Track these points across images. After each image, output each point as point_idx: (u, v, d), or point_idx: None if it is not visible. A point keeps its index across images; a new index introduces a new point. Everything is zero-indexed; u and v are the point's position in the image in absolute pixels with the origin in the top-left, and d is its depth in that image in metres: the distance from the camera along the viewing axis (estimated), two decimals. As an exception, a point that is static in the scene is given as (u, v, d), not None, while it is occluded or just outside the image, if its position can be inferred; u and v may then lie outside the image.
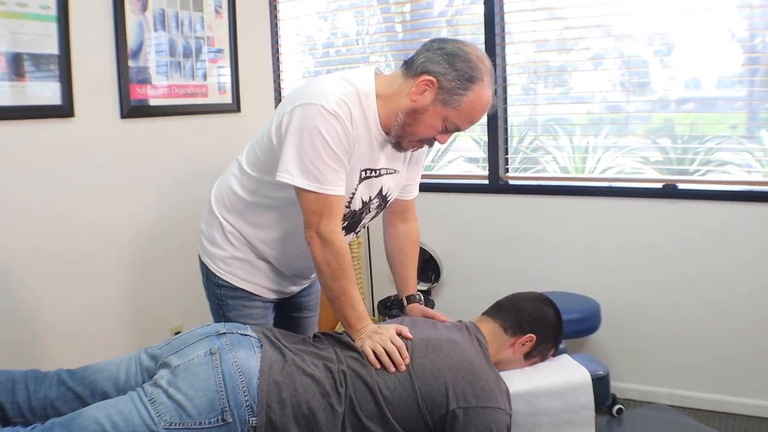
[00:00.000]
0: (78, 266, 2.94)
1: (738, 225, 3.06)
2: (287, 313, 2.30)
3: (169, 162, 3.32)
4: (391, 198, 2.14)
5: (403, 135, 1.95)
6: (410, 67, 1.92)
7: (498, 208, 3.52)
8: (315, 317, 2.41)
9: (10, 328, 2.72)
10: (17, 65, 2.66)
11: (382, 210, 2.17)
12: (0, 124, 2.65)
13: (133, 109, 3.12)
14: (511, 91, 3.53)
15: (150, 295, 3.27)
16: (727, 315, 3.11)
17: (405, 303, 2.27)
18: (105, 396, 1.80)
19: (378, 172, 2.02)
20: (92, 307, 3.01)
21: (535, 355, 2.03)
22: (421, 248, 2.52)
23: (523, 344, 2.00)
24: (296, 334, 2.00)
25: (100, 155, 3.00)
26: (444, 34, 3.73)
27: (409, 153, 2.10)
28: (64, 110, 2.84)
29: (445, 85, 1.85)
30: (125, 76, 3.06)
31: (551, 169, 3.62)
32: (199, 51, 3.42)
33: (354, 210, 2.03)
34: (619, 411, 2.92)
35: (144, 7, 3.13)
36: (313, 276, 2.26)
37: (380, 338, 1.85)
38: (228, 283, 2.11)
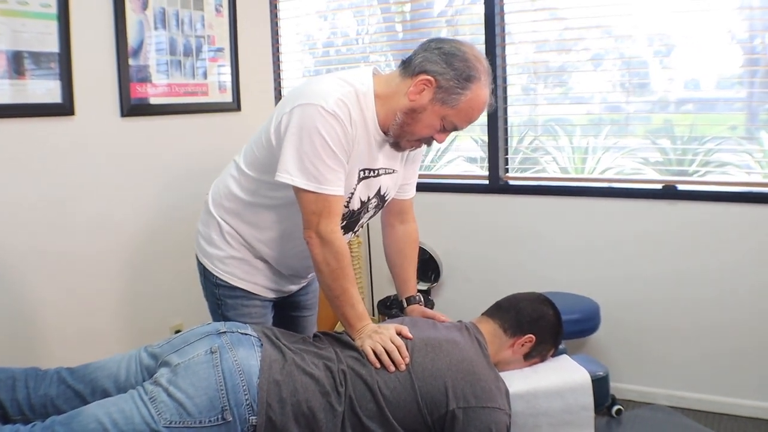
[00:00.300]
0: (78, 264, 2.94)
1: (738, 226, 3.06)
2: (286, 312, 2.31)
3: (169, 161, 3.32)
4: (389, 198, 2.15)
5: (402, 134, 1.95)
6: (408, 67, 1.92)
7: (498, 209, 3.52)
8: (313, 316, 2.41)
9: (10, 325, 2.72)
10: (18, 63, 2.66)
11: (380, 209, 2.18)
12: (0, 122, 2.64)
13: (134, 108, 3.12)
14: (511, 92, 3.53)
15: (150, 293, 3.28)
16: (726, 316, 3.11)
17: (405, 304, 2.27)
18: (105, 394, 1.80)
19: (376, 172, 2.03)
20: (92, 306, 3.01)
21: (535, 355, 2.04)
22: (420, 248, 2.52)
23: (522, 345, 2.00)
24: (296, 334, 2.00)
25: (100, 154, 3.00)
26: (444, 34, 3.73)
27: (406, 152, 2.11)
28: (65, 108, 2.84)
29: (443, 84, 1.86)
30: (125, 75, 3.07)
31: (551, 169, 3.62)
32: (199, 50, 3.42)
33: (352, 210, 2.04)
34: (618, 412, 2.93)
35: (144, 6, 3.13)
36: (311, 275, 2.26)
37: (380, 338, 1.85)
38: (226, 282, 2.11)
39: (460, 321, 2.06)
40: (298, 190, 1.88)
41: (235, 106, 3.66)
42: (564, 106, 3.55)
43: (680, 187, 3.17)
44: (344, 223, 2.03)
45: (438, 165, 3.90)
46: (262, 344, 1.80)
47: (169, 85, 3.28)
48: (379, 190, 2.08)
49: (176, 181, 3.35)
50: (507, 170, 3.56)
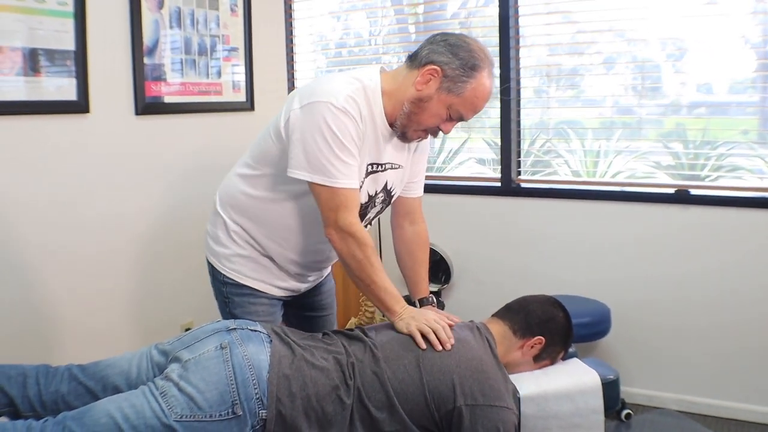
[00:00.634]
0: (90, 262, 2.96)
1: (751, 231, 3.04)
2: (301, 312, 2.32)
3: (183, 159, 3.34)
4: (395, 193, 2.17)
5: (409, 124, 1.99)
6: (415, 60, 1.98)
7: (509, 211, 3.52)
8: (331, 315, 2.42)
9: (22, 322, 2.74)
10: (34, 60, 2.68)
11: (386, 206, 2.20)
12: (16, 118, 2.67)
13: (148, 106, 3.14)
14: (524, 94, 3.53)
15: (161, 291, 3.29)
16: (737, 321, 3.10)
17: (417, 305, 2.27)
18: (116, 391, 1.82)
19: (383, 166, 2.06)
20: (104, 303, 3.03)
21: (545, 357, 2.04)
22: (431, 249, 2.52)
23: (532, 346, 2.00)
24: (304, 332, 2.01)
25: (114, 151, 3.02)
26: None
27: (413, 148, 2.14)
28: (80, 106, 2.86)
29: (449, 73, 1.92)
30: (140, 73, 3.08)
31: (563, 172, 3.61)
32: (213, 49, 3.44)
33: (360, 203, 2.05)
34: (628, 416, 2.93)
35: (160, 5, 3.15)
36: (320, 273, 2.28)
37: (425, 318, 1.91)
38: (233, 280, 2.13)
39: (471, 321, 2.06)
40: (313, 186, 1.91)
41: (249, 105, 3.68)
42: (576, 109, 3.55)
43: (693, 191, 3.16)
44: None
45: (449, 166, 3.90)
46: (271, 340, 1.82)
47: (183, 84, 3.30)
48: (385, 185, 2.11)
49: (189, 180, 3.36)
50: (519, 173, 3.56)
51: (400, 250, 2.32)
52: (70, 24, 2.79)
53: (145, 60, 3.10)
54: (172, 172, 3.29)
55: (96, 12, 2.88)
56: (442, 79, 1.92)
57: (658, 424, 2.63)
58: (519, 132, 3.54)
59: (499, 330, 2.01)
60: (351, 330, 1.98)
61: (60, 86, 2.78)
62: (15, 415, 1.83)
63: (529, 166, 3.62)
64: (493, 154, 3.68)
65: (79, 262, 2.92)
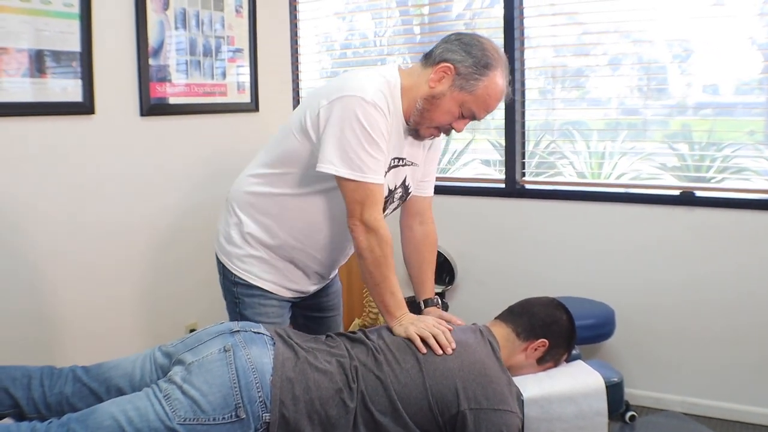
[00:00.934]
0: (95, 263, 2.97)
1: (756, 233, 3.04)
2: (308, 313, 2.32)
3: (187, 160, 3.34)
4: (411, 190, 2.19)
5: (422, 121, 2.01)
6: (429, 58, 2.01)
7: (513, 212, 3.52)
8: (338, 317, 2.42)
9: (27, 322, 2.75)
10: (39, 62, 2.69)
11: (402, 202, 2.21)
12: (21, 120, 2.68)
13: (153, 107, 3.14)
14: (529, 95, 3.53)
15: (165, 292, 3.30)
16: (742, 323, 3.09)
17: (422, 306, 2.27)
18: (120, 393, 1.83)
19: (403, 161, 2.08)
20: (108, 303, 3.03)
21: (548, 360, 2.03)
22: (435, 250, 2.51)
23: (535, 349, 2.00)
24: (308, 334, 2.02)
25: (119, 152, 3.03)
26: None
27: (426, 146, 2.16)
28: (85, 107, 2.87)
29: (462, 71, 1.94)
30: (145, 74, 3.09)
31: (567, 173, 3.61)
32: (218, 50, 3.45)
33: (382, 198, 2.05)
34: (632, 418, 2.92)
35: (165, 6, 3.15)
36: (335, 273, 2.29)
37: (424, 324, 1.91)
38: (244, 281, 2.13)
39: (474, 324, 2.06)
40: (340, 180, 1.92)
41: (254, 106, 3.68)
42: (581, 110, 3.54)
43: (698, 193, 3.15)
44: None
45: (454, 167, 3.90)
46: (274, 343, 1.82)
47: (188, 85, 3.31)
48: (404, 180, 2.12)
49: (194, 181, 3.37)
50: (524, 174, 3.55)
51: (407, 250, 2.32)
52: (75, 25, 2.80)
53: (150, 61, 3.11)
54: (177, 172, 3.30)
55: (101, 13, 2.89)
56: (455, 76, 1.94)
57: (662, 426, 2.63)
58: (524, 133, 3.53)
59: (502, 333, 2.01)
60: (353, 332, 1.98)
61: (65, 87, 2.79)
62: (20, 416, 1.84)
63: (534, 168, 3.61)
64: (498, 155, 3.67)
65: (84, 263, 2.93)
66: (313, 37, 4.07)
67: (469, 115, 2.00)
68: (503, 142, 3.54)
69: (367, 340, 1.90)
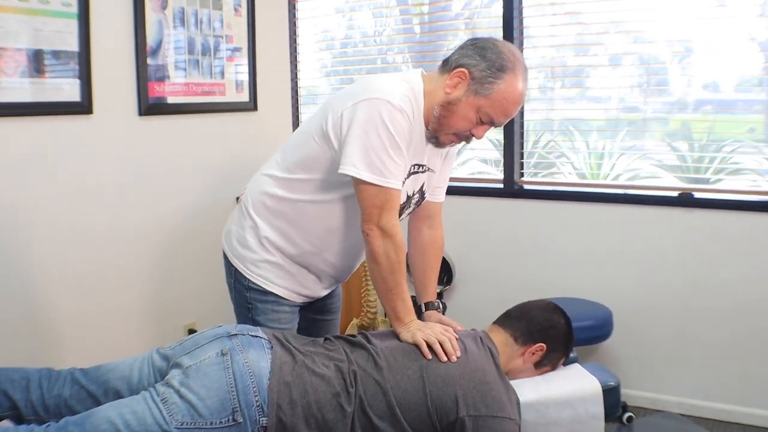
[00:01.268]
0: (93, 263, 2.97)
1: (754, 235, 3.04)
2: (309, 314, 2.30)
3: (186, 159, 3.34)
4: (426, 196, 2.18)
5: (440, 128, 1.99)
6: (446, 64, 2.00)
7: (512, 213, 3.52)
8: (337, 320, 2.42)
9: (25, 323, 2.76)
10: (38, 61, 2.69)
11: (417, 207, 2.20)
12: (20, 120, 2.68)
13: (151, 107, 3.14)
14: (529, 93, 3.52)
15: (165, 292, 3.30)
16: (740, 325, 3.09)
17: (423, 309, 2.27)
18: (118, 395, 1.83)
19: (423, 168, 2.08)
20: (106, 304, 3.04)
21: (546, 364, 2.04)
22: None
23: (533, 353, 2.01)
24: (306, 337, 2.02)
25: (117, 152, 3.03)
26: (462, 33, 3.73)
27: (444, 153, 2.15)
28: (83, 107, 2.87)
29: (477, 75, 1.92)
30: (144, 74, 3.09)
31: (566, 171, 3.60)
32: (217, 49, 3.44)
33: (400, 204, 2.05)
34: (630, 419, 2.92)
35: (164, 5, 3.15)
36: (347, 277, 2.29)
37: (431, 330, 1.91)
38: (258, 286, 2.10)
39: (473, 329, 2.06)
40: (360, 183, 1.90)
41: (252, 105, 3.68)
42: (581, 107, 3.53)
43: (697, 194, 3.15)
44: None
45: (452, 166, 3.88)
46: (272, 346, 1.82)
47: (186, 84, 3.30)
48: (422, 186, 2.12)
49: (193, 180, 3.37)
50: (522, 174, 3.55)
51: (413, 253, 2.31)
52: (73, 25, 2.80)
53: (149, 60, 3.11)
54: (176, 172, 3.29)
55: (100, 13, 2.88)
56: (470, 81, 1.93)
57: (660, 428, 2.63)
58: (522, 134, 3.53)
59: (500, 338, 2.01)
60: (353, 336, 1.98)
61: (63, 87, 2.79)
62: (18, 418, 1.84)
63: (533, 167, 3.61)
64: (497, 154, 3.66)
65: (82, 262, 2.93)
66: (312, 35, 4.06)
67: (488, 121, 1.97)
68: (502, 139, 3.53)
69: (367, 345, 1.90)
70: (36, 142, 2.73)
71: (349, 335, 2.00)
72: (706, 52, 3.15)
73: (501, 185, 3.55)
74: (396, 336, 1.97)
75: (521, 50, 3.46)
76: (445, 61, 2.01)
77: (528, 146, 3.59)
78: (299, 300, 2.17)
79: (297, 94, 4.05)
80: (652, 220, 3.22)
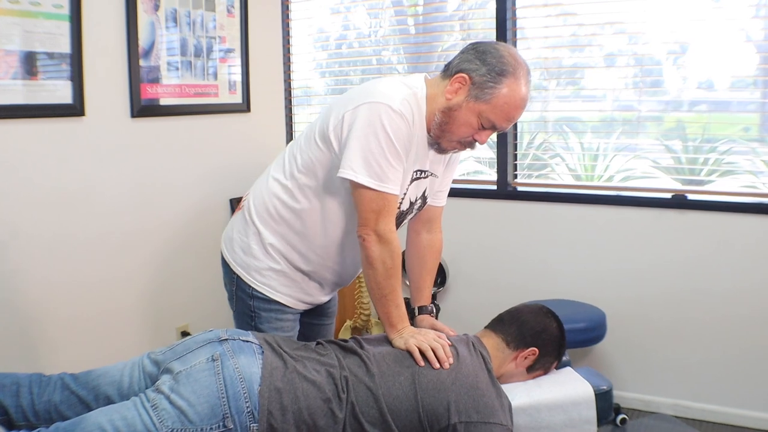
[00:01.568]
0: (85, 264, 2.96)
1: (748, 237, 3.04)
2: (306, 319, 2.29)
3: (179, 161, 3.33)
4: (428, 202, 2.17)
5: (442, 135, 1.98)
6: (447, 70, 1.98)
7: (505, 214, 3.51)
8: (332, 324, 2.41)
9: (15, 326, 2.74)
10: (29, 64, 2.67)
11: (418, 212, 2.19)
12: (12, 122, 2.66)
13: (144, 109, 3.13)
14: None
15: (157, 295, 3.28)
16: (733, 327, 3.09)
17: (416, 312, 2.27)
18: (108, 400, 1.82)
19: (426, 173, 2.07)
20: (98, 306, 3.02)
21: (538, 368, 2.04)
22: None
23: (525, 358, 2.01)
24: (297, 341, 2.01)
25: (110, 154, 3.01)
26: (456, 32, 3.73)
27: (447, 158, 2.14)
28: (75, 109, 2.85)
29: (477, 80, 1.90)
30: (136, 76, 3.07)
31: (561, 171, 3.60)
32: (210, 50, 3.43)
33: (402, 210, 2.05)
34: (623, 421, 2.93)
35: (156, 7, 3.13)
36: (350, 282, 2.28)
37: (424, 337, 1.90)
38: (263, 294, 2.09)
39: (465, 335, 2.06)
40: (358, 187, 1.89)
41: (245, 107, 3.67)
42: (576, 107, 3.52)
43: (690, 196, 3.15)
44: None
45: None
46: (263, 351, 1.81)
47: (179, 86, 3.29)
48: (424, 192, 2.11)
49: (186, 182, 3.36)
50: (516, 176, 3.55)
51: (411, 255, 2.31)
52: (65, 27, 2.78)
53: (141, 62, 3.09)
54: (169, 174, 3.28)
55: (91, 14, 2.87)
56: (470, 87, 1.91)
57: (653, 429, 2.64)
58: (516, 135, 3.53)
59: (492, 343, 2.01)
60: (345, 341, 1.97)
61: (55, 89, 2.77)
62: (8, 424, 1.83)
63: (527, 168, 3.60)
64: (491, 153, 3.65)
65: (75, 263, 2.92)
66: (305, 36, 4.05)
67: (490, 126, 1.95)
68: (495, 138, 3.52)
69: (360, 350, 1.89)
70: (28, 144, 2.72)
71: (341, 340, 1.99)
72: (701, 51, 3.15)
73: (494, 187, 3.54)
74: (388, 341, 1.96)
75: (514, 42, 3.45)
76: (447, 66, 1.99)
77: (522, 146, 3.59)
78: (302, 307, 2.16)
79: (290, 95, 4.04)
80: (646, 221, 3.22)
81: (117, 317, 3.11)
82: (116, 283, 3.10)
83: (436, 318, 2.27)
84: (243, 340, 1.83)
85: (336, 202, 2.01)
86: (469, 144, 2.01)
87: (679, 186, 3.29)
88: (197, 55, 3.36)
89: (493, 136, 3.49)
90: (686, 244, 3.15)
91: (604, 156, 3.52)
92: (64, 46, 2.79)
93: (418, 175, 2.04)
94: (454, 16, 3.79)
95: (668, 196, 3.20)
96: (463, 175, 3.81)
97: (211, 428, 1.67)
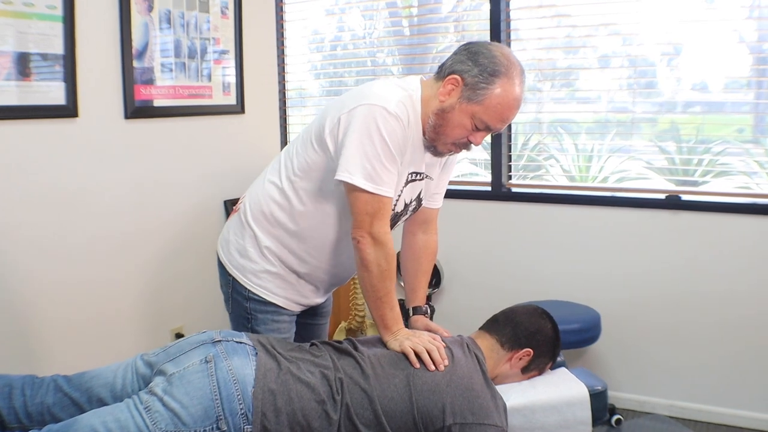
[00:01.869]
0: (78, 265, 2.95)
1: (741, 237, 3.04)
2: (299, 318, 2.28)
3: (173, 163, 3.32)
4: (424, 202, 2.17)
5: (436, 137, 1.97)
6: (440, 71, 1.97)
7: (500, 216, 3.51)
8: (326, 324, 2.41)
9: (9, 338, 2.73)
10: (23, 65, 2.66)
11: (413, 214, 2.19)
12: (5, 123, 2.65)
13: (137, 110, 3.12)
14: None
15: (151, 297, 3.28)
16: (728, 327, 3.10)
17: (411, 313, 2.27)
18: (101, 402, 1.81)
19: (421, 175, 2.06)
20: (92, 307, 3.01)
21: (533, 369, 2.04)
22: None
23: (520, 359, 2.01)
24: (292, 342, 2.01)
25: (103, 155, 3.01)
26: (451, 34, 3.73)
27: (443, 160, 2.14)
28: (69, 110, 2.84)
29: (469, 81, 1.89)
30: (130, 77, 3.07)
31: (555, 172, 3.60)
32: (204, 52, 3.42)
33: (397, 212, 2.05)
34: (618, 421, 2.92)
35: (150, 8, 3.13)
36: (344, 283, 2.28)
37: (419, 339, 1.90)
38: (259, 296, 2.09)
39: (459, 336, 2.05)
40: (353, 190, 1.88)
41: (239, 108, 3.66)
42: (570, 108, 3.53)
43: (684, 197, 3.16)
44: None
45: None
46: (257, 353, 1.80)
47: (173, 87, 3.28)
48: (419, 194, 2.11)
49: (180, 183, 3.35)
50: (510, 177, 3.55)
51: (405, 256, 2.31)
52: (59, 28, 2.77)
53: (135, 63, 3.08)
54: (162, 175, 3.27)
55: (85, 15, 2.86)
56: (462, 88, 1.90)
57: (648, 430, 2.63)
58: (510, 136, 3.53)
59: (486, 344, 2.01)
60: (340, 342, 1.97)
61: (49, 90, 2.77)
62: (1, 426, 1.82)
63: (522, 169, 3.61)
64: (486, 154, 3.66)
65: (68, 265, 2.91)
66: (300, 38, 4.05)
67: (484, 127, 1.94)
68: (490, 140, 3.52)
69: (354, 352, 1.89)
70: (21, 145, 2.71)
71: (335, 341, 1.99)
72: (695, 53, 3.16)
73: (489, 188, 3.54)
74: (383, 343, 1.96)
75: (509, 43, 3.45)
76: (440, 67, 1.99)
77: (517, 148, 3.59)
78: (297, 309, 2.16)
79: (285, 97, 4.04)
80: (640, 222, 3.22)
81: (111, 319, 3.10)
82: (110, 284, 3.09)
83: (431, 319, 2.27)
84: (236, 342, 1.83)
85: (332, 204, 2.01)
86: (464, 145, 2.00)
87: (673, 187, 3.29)
88: (191, 56, 3.35)
89: (488, 138, 3.52)
90: (680, 244, 3.15)
91: (598, 157, 3.53)
92: (58, 47, 2.78)
93: (413, 177, 2.04)
94: (449, 17, 3.79)
95: (662, 197, 3.20)
96: (458, 176, 3.81)
97: (205, 430, 1.67)
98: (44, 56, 2.74)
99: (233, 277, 2.11)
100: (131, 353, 2.06)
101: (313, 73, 4.11)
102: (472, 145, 1.99)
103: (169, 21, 3.23)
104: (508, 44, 3.46)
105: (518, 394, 1.94)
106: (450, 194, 3.59)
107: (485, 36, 3.46)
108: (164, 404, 1.68)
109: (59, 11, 2.77)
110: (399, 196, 2.02)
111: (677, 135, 3.35)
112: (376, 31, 3.95)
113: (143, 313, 3.24)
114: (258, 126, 3.81)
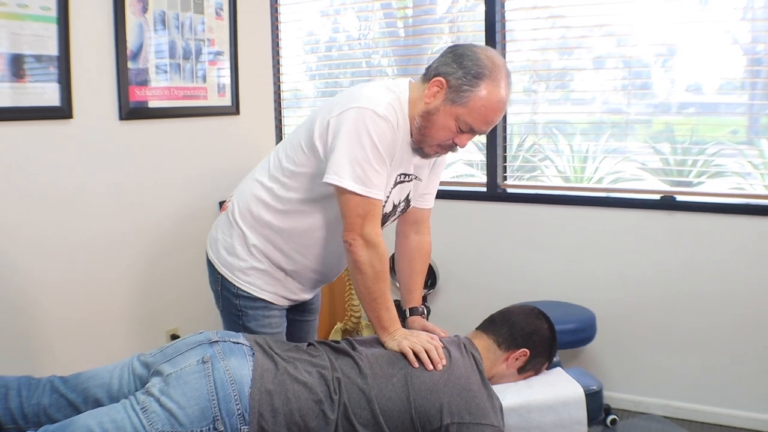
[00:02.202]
0: (74, 267, 2.94)
1: (735, 237, 3.05)
2: (289, 315, 2.28)
3: (167, 164, 3.32)
4: (413, 203, 2.18)
5: (422, 139, 1.98)
6: (427, 73, 1.98)
7: (495, 216, 3.52)
8: (315, 321, 2.42)
9: (6, 338, 2.72)
10: (17, 66, 2.65)
11: (402, 214, 2.20)
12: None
13: (132, 111, 3.11)
14: (513, 96, 3.51)
15: (147, 298, 3.27)
16: (722, 327, 3.11)
17: (407, 314, 2.27)
18: (98, 403, 1.82)
19: (410, 177, 2.07)
20: (87, 309, 3.01)
21: (529, 369, 2.04)
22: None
23: (516, 359, 2.01)
24: (289, 342, 2.01)
25: (98, 157, 3.00)
26: (446, 35, 3.74)
27: (432, 161, 2.15)
28: (63, 112, 2.83)
29: (453, 83, 1.90)
30: (124, 78, 3.06)
31: (550, 173, 3.61)
32: (199, 53, 3.42)
33: (385, 213, 2.05)
34: (613, 422, 2.93)
35: (144, 9, 3.12)
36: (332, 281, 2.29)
37: (417, 339, 1.91)
38: (248, 293, 2.10)
39: (456, 336, 2.06)
40: (343, 192, 1.89)
41: (234, 109, 3.66)
42: (565, 110, 3.54)
43: (679, 197, 3.17)
44: None
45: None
46: (254, 353, 1.80)
47: (168, 89, 3.28)
48: (407, 195, 2.11)
49: (174, 185, 3.35)
50: (505, 178, 3.55)
51: (400, 258, 2.32)
52: (53, 29, 2.76)
53: (129, 64, 3.08)
54: (157, 177, 3.27)
55: (79, 16, 2.85)
56: (447, 90, 1.91)
57: (643, 430, 2.64)
58: (505, 137, 3.53)
59: (483, 344, 2.01)
60: (337, 342, 1.97)
61: (43, 92, 2.76)
62: (-2, 427, 1.82)
63: (517, 170, 3.61)
64: (481, 156, 3.66)
65: (63, 267, 2.90)
66: (295, 39, 4.05)
67: (468, 129, 1.95)
68: (485, 141, 3.53)
69: (352, 352, 1.89)
70: (15, 147, 2.70)
71: (333, 341, 1.99)
72: (689, 54, 3.17)
73: (484, 189, 3.55)
74: (380, 343, 1.96)
75: (504, 53, 3.46)
76: (427, 70, 2.00)
77: (512, 149, 3.59)
78: (286, 304, 2.17)
79: (280, 98, 4.03)
80: (635, 223, 3.23)
81: (106, 320, 3.09)
82: (105, 285, 3.08)
83: (427, 320, 2.27)
84: (233, 342, 1.83)
85: (320, 205, 2.02)
86: (450, 147, 2.01)
87: (667, 188, 3.30)
88: (186, 57, 3.35)
89: (483, 139, 3.53)
90: (675, 244, 3.16)
91: (593, 158, 3.53)
92: (52, 49, 2.77)
93: (401, 179, 2.05)
94: (444, 19, 3.80)
95: (657, 197, 3.21)
96: (453, 177, 3.82)
97: (202, 431, 1.67)
98: (38, 58, 2.73)
99: (222, 275, 2.13)
100: (127, 354, 2.06)
101: (308, 74, 4.11)
102: (458, 147, 2.00)
103: (163, 22, 3.22)
104: (503, 45, 3.46)
105: (514, 394, 1.94)
106: (445, 195, 3.63)
107: (480, 37, 3.47)
108: (161, 405, 1.68)
109: (53, 12, 2.76)
110: (387, 197, 2.02)
111: (672, 136, 3.36)
112: (371, 33, 3.95)
113: (137, 314, 3.23)
114: (253, 127, 3.81)
